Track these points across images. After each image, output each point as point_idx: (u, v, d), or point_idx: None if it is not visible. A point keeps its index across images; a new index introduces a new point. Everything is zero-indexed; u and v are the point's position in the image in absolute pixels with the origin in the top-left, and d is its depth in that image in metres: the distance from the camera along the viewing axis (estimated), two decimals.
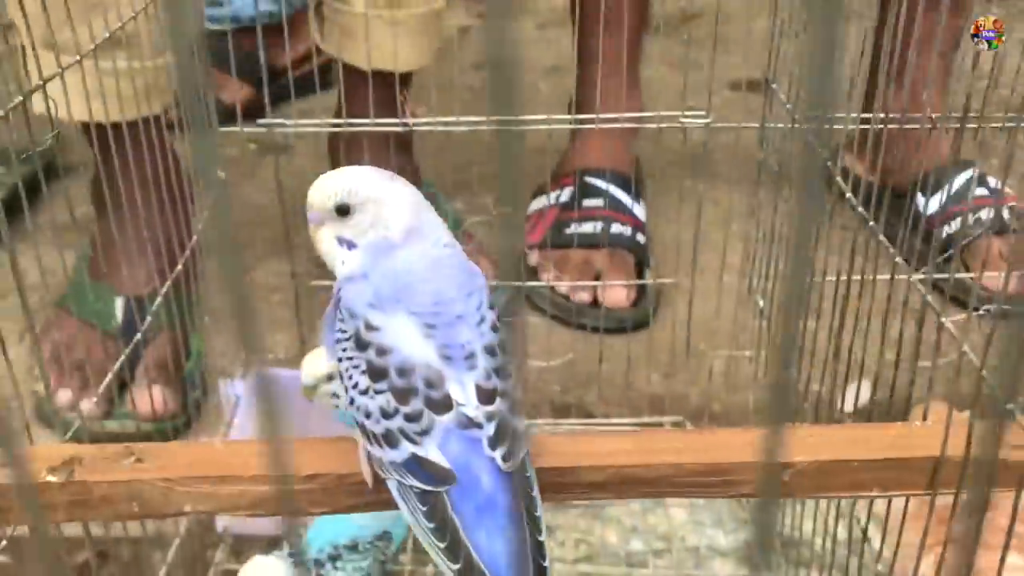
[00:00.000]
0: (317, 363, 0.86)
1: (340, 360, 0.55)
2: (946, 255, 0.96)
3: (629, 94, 1.20)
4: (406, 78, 1.23)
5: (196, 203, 1.11)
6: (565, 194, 1.31)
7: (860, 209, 0.79)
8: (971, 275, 1.10)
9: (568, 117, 1.08)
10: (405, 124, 0.92)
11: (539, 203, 1.35)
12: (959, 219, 1.19)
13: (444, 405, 0.51)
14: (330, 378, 0.87)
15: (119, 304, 1.14)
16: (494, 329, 0.53)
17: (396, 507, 0.55)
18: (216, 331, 1.08)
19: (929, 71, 1.00)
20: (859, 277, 0.93)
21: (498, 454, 0.51)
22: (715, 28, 0.95)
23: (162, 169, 0.96)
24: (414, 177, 1.29)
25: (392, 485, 0.54)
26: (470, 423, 0.52)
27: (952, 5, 0.88)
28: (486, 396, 0.52)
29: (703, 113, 0.95)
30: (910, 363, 0.72)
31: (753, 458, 0.58)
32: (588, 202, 1.29)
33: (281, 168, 1.22)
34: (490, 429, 0.52)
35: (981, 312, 0.71)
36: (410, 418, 0.51)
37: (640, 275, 1.28)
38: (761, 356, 1.03)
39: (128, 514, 0.58)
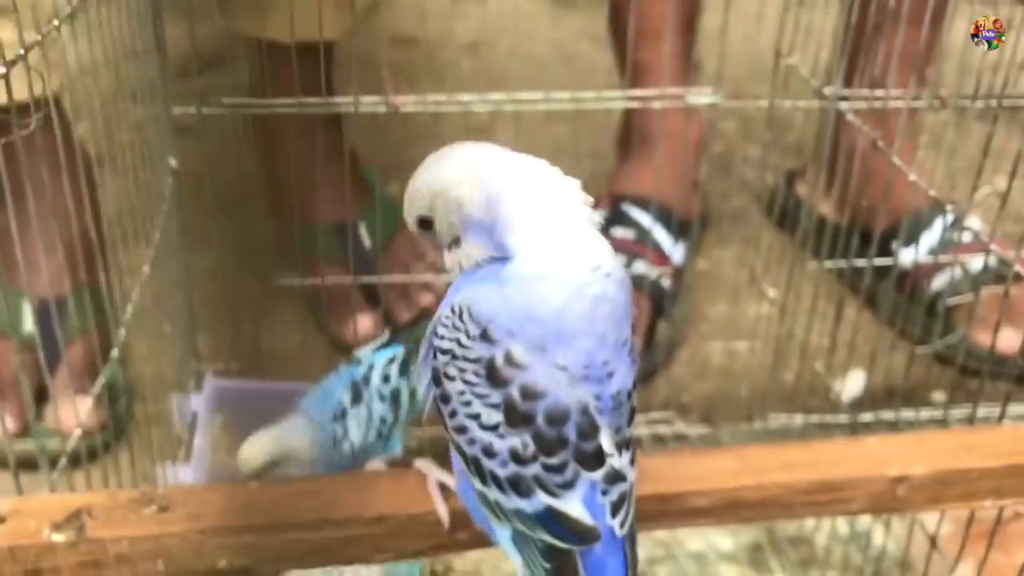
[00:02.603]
0: (256, 450, 0.69)
1: (444, 367, 0.44)
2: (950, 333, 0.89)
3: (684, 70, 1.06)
4: (329, 51, 1.14)
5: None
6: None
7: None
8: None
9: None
10: (391, 103, 0.82)
11: None
12: (945, 272, 1.05)
13: (596, 459, 0.43)
14: (274, 464, 0.72)
15: (28, 308, 1.00)
16: (635, 362, 0.45)
17: (484, 546, 0.47)
18: (144, 333, 0.96)
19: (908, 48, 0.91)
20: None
21: (616, 523, 0.45)
22: None
23: (64, 155, 0.84)
24: (351, 160, 1.19)
25: (503, 532, 0.45)
26: (617, 477, 0.44)
27: None
28: (620, 448, 0.45)
29: (710, 90, 0.87)
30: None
31: (866, 471, 0.52)
32: (616, 231, 1.14)
33: (190, 151, 1.11)
34: (614, 494, 0.44)
35: None
36: (552, 468, 0.43)
37: (654, 324, 1.09)
38: (758, 346, 0.97)
39: (150, 575, 0.48)
